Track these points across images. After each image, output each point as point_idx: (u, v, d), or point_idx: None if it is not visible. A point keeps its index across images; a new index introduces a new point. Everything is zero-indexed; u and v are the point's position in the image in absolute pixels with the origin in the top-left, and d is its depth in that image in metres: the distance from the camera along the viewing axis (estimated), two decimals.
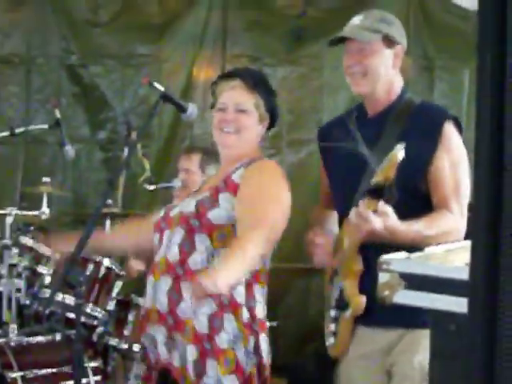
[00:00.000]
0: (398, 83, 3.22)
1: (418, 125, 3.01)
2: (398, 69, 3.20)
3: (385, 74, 3.13)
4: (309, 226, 3.27)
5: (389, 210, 2.77)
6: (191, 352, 3.01)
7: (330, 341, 3.26)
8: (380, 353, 3.12)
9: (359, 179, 3.08)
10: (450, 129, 2.98)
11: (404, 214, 2.84)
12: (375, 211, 2.75)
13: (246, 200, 3.04)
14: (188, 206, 3.12)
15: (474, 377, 1.26)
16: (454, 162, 3.00)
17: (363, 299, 2.96)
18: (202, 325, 3.02)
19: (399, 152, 2.72)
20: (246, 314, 3.07)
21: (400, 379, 3.05)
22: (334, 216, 3.40)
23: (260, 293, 3.16)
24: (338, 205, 3.33)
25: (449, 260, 1.99)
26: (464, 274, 1.40)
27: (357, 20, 3.18)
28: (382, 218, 2.76)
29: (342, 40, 3.18)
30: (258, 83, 3.21)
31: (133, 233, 3.64)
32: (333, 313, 3.22)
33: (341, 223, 3.24)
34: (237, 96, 3.17)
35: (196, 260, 3.03)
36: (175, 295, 3.05)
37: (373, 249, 2.80)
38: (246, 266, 2.87)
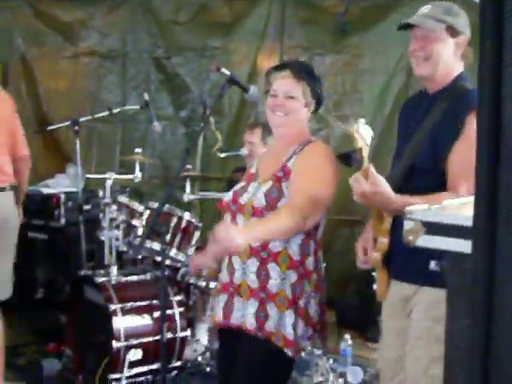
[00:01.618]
0: (457, 69, 3.00)
1: (457, 109, 2.82)
2: (460, 56, 2.99)
3: (445, 60, 2.93)
4: None
5: (380, 179, 2.69)
6: (289, 316, 3.01)
7: (374, 287, 3.24)
8: (402, 301, 3.04)
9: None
10: (474, 119, 2.85)
11: (428, 187, 2.77)
12: (366, 176, 2.66)
13: (294, 180, 3.01)
14: (256, 197, 3.05)
15: (475, 308, 1.23)
16: (473, 150, 2.86)
17: (377, 256, 2.92)
18: (288, 292, 3.00)
19: (360, 124, 2.69)
20: (315, 277, 3.08)
21: (415, 320, 2.97)
22: None
23: (321, 255, 3.16)
24: None
25: (462, 211, 1.95)
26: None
27: (425, 9, 2.96)
28: (372, 183, 2.67)
29: (410, 26, 2.97)
30: (304, 74, 3.13)
31: None
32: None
33: None
34: (286, 84, 3.09)
35: (276, 243, 3.00)
36: (263, 274, 3.03)
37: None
38: (271, 234, 2.90)
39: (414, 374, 2.96)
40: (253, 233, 2.88)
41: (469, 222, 1.66)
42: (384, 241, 2.91)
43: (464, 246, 1.74)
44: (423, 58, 2.94)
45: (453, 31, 2.92)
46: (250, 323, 3.02)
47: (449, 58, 2.95)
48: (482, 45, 1.19)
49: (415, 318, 2.99)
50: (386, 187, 2.68)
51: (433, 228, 1.91)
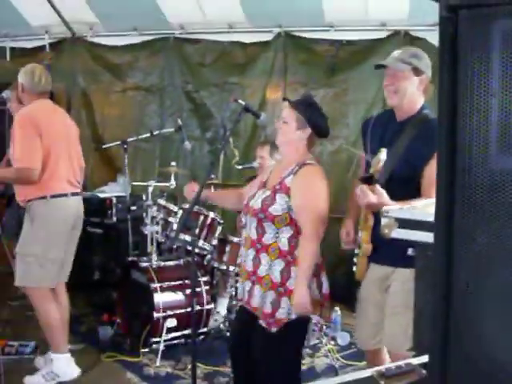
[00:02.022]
0: (420, 101, 3.05)
1: (425, 134, 2.86)
2: (422, 91, 3.04)
3: (410, 94, 2.99)
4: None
5: (382, 191, 2.75)
6: (270, 295, 3.03)
7: (354, 269, 3.26)
8: (380, 280, 3.10)
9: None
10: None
11: (404, 193, 2.76)
12: (373, 190, 2.73)
13: (299, 204, 3.02)
14: (256, 202, 3.10)
15: (437, 285, 1.25)
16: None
17: (369, 246, 2.94)
18: (274, 276, 3.02)
19: (382, 154, 2.71)
20: None
21: (393, 292, 3.03)
22: None
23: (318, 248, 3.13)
24: None
25: (426, 210, 1.96)
26: None
27: (396, 53, 3.03)
28: (377, 195, 2.73)
29: (384, 66, 3.04)
30: (300, 105, 3.14)
31: (233, 197, 3.62)
32: (356, 251, 3.20)
33: None
34: (284, 113, 3.15)
35: (268, 237, 3.03)
36: (257, 261, 3.07)
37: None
38: (310, 267, 2.96)
39: (392, 332, 2.99)
40: (302, 283, 2.94)
41: (431, 218, 1.67)
42: (367, 235, 2.95)
43: (428, 237, 1.76)
44: (393, 91, 3.00)
45: (417, 71, 2.97)
46: (246, 298, 3.11)
47: (413, 92, 3.00)
48: (440, 80, 1.21)
49: (393, 291, 3.02)
50: (386, 197, 2.73)
51: (403, 223, 1.93)
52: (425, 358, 1.72)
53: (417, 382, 1.60)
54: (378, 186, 2.74)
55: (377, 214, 2.79)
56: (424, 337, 2.23)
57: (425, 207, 2.07)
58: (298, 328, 3.07)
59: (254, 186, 3.37)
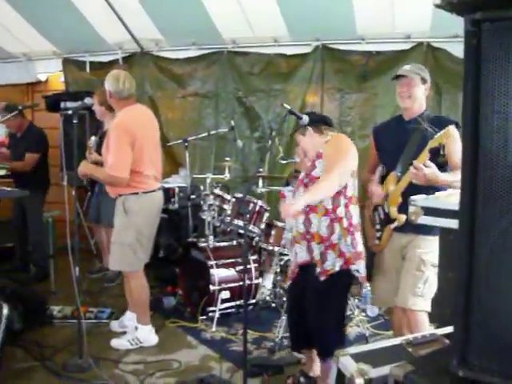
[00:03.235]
0: (424, 104, 3.28)
1: (437, 126, 2.99)
2: (426, 96, 3.28)
3: (419, 98, 3.23)
4: (364, 180, 3.39)
5: (432, 164, 2.86)
6: (319, 248, 3.13)
7: (375, 242, 3.31)
8: (400, 247, 3.22)
9: (401, 151, 3.17)
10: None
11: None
12: (424, 165, 2.85)
13: (326, 159, 3.12)
14: (302, 174, 3.27)
15: (460, 265, 1.22)
16: (457, 147, 2.86)
17: (404, 217, 3.04)
18: (322, 231, 3.12)
19: (452, 128, 2.76)
20: (345, 222, 3.12)
21: (408, 259, 3.16)
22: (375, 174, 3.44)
23: (353, 209, 3.18)
24: (387, 166, 3.33)
25: (449, 199, 1.93)
26: (456, 207, 1.36)
27: (407, 67, 3.27)
28: (429, 169, 2.85)
29: (398, 76, 3.24)
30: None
31: None
32: (378, 226, 3.30)
33: (385, 176, 3.29)
34: (300, 143, 3.37)
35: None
36: (307, 222, 3.16)
37: (407, 192, 2.91)
38: (318, 196, 3.01)
39: (403, 287, 3.12)
40: (304, 198, 2.97)
41: (453, 207, 1.64)
42: (396, 210, 3.14)
43: (450, 223, 1.72)
44: (407, 96, 3.22)
45: (423, 80, 3.24)
46: (306, 257, 3.22)
47: (421, 97, 3.25)
48: (464, 86, 1.17)
49: (409, 256, 3.17)
50: (437, 170, 2.88)
51: (428, 211, 1.90)
52: (447, 329, 1.69)
53: (440, 349, 1.57)
54: (428, 160, 2.86)
55: (404, 195, 2.99)
56: (444, 311, 2.19)
57: (447, 197, 2.03)
58: (341, 277, 3.13)
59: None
